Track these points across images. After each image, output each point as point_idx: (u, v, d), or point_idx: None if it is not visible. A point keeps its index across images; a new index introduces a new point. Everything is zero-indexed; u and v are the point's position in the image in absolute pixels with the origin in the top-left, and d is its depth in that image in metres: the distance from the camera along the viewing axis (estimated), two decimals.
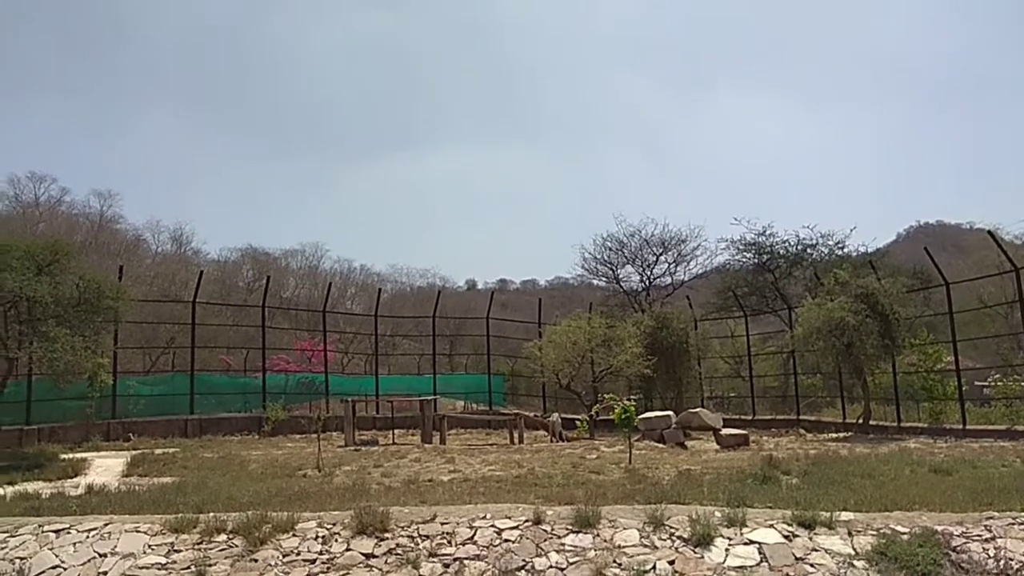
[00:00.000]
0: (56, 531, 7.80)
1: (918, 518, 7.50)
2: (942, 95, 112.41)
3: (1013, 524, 7.22)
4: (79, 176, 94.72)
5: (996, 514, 7.49)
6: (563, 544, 7.26)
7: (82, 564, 7.26)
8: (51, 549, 7.50)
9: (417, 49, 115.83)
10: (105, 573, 7.13)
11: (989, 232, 21.69)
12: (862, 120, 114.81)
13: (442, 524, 7.66)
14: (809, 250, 30.19)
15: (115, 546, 7.52)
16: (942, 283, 19.29)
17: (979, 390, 23.85)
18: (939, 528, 7.18)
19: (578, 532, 7.43)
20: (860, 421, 19.10)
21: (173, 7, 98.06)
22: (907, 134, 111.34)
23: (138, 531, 7.76)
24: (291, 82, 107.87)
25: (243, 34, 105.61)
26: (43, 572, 7.16)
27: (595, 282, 38.29)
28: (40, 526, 7.93)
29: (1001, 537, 7.01)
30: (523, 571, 6.92)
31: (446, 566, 7.05)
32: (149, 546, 7.51)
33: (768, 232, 30.63)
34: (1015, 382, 20.29)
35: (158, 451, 15.36)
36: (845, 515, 7.55)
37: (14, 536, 7.73)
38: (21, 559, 7.34)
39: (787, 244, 30.42)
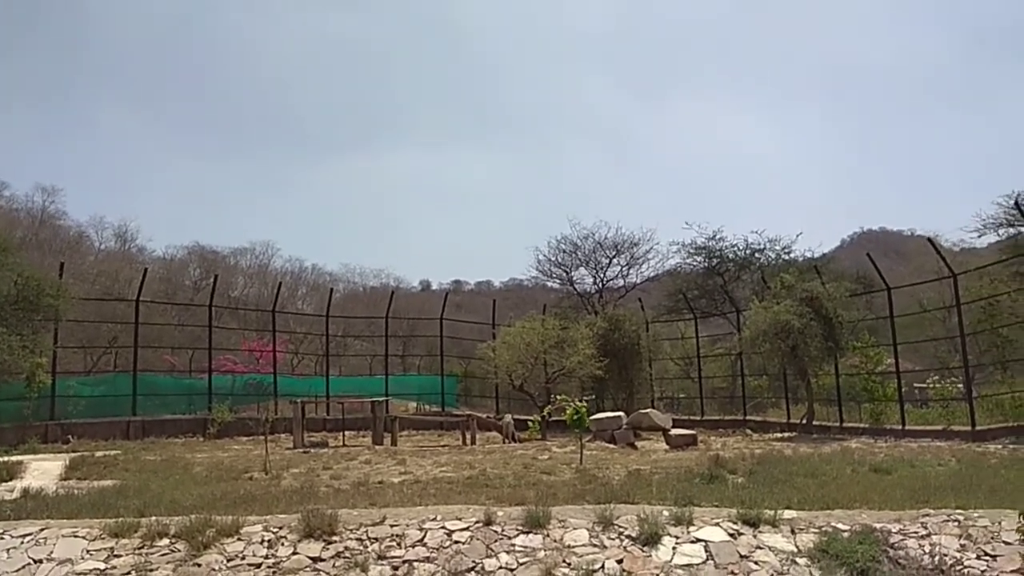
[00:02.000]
0: None
1: (858, 516, 7.72)
2: (888, 104, 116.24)
3: (947, 521, 7.49)
4: (22, 171, 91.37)
5: (932, 511, 7.75)
6: (513, 545, 7.27)
7: (16, 571, 7.00)
8: None
9: (377, 49, 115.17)
10: None
11: (929, 239, 22.51)
12: (812, 128, 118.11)
13: (391, 526, 7.61)
14: (757, 254, 30.82)
15: (51, 552, 7.27)
16: (884, 288, 19.89)
17: (918, 391, 24.68)
18: (878, 526, 7.41)
19: (528, 533, 7.45)
20: (804, 421, 19.58)
21: None
22: (853, 142, 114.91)
23: (76, 536, 7.51)
24: (247, 79, 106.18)
25: (198, 28, 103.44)
26: None
27: (549, 284, 38.47)
28: None
29: (936, 534, 7.26)
30: (473, 572, 6.91)
31: (395, 569, 7.01)
32: (88, 551, 7.28)
33: (718, 236, 31.22)
34: (952, 384, 21.04)
35: (98, 454, 14.88)
36: (788, 513, 7.74)
37: None
38: None
39: (736, 248, 31.03)
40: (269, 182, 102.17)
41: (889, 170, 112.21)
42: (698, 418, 23.32)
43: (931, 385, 22.37)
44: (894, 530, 7.34)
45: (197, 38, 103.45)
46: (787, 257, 30.24)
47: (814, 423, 19.40)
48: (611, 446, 16.80)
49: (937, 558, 6.91)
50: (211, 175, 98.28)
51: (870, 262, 20.49)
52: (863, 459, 12.30)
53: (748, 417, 22.67)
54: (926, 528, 7.38)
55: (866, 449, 14.48)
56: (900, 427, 17.84)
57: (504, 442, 18.90)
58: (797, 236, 33.17)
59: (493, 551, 7.20)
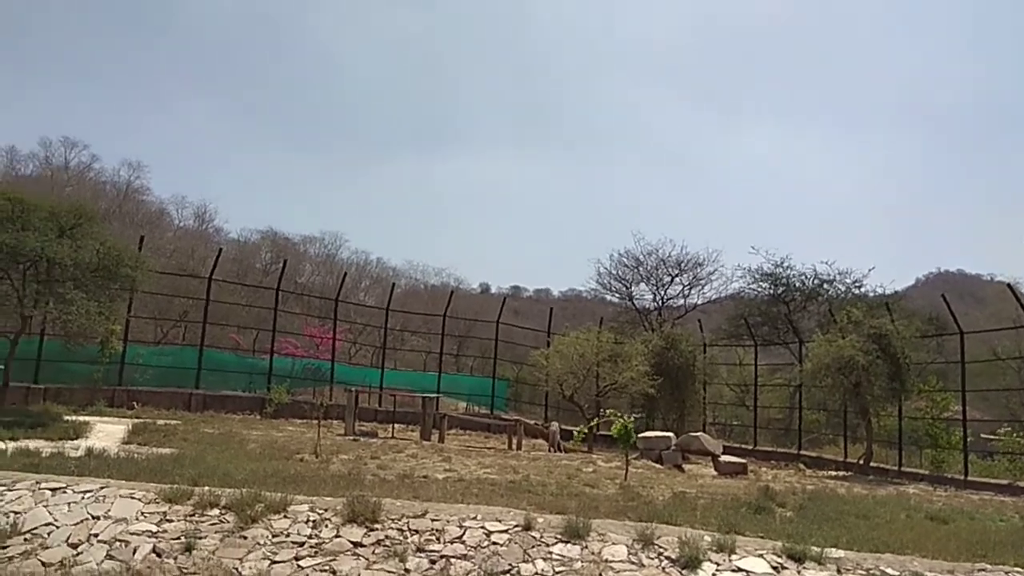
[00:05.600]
0: (52, 489, 7.90)
1: (909, 562, 7.45)
2: (975, 142, 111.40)
3: None
4: (110, 146, 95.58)
5: (988, 566, 7.42)
6: (551, 552, 7.27)
7: (74, 524, 7.35)
8: (46, 506, 7.60)
9: (447, 51, 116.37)
10: (96, 535, 7.22)
11: (1008, 285, 21.48)
12: (892, 161, 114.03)
13: (432, 520, 7.69)
14: (825, 285, 30.07)
15: (108, 510, 7.60)
16: (956, 331, 19.12)
17: (984, 442, 23.60)
18: (928, 574, 7.13)
19: (567, 542, 7.43)
20: (861, 461, 18.96)
21: None
22: (934, 180, 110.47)
23: (133, 497, 7.84)
24: (324, 76, 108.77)
25: (283, 26, 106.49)
26: (36, 528, 7.26)
27: (608, 297, 38.26)
28: (37, 483, 8.04)
29: None
30: (508, 575, 6.93)
31: (432, 562, 7.08)
32: (142, 513, 7.59)
33: (785, 264, 30.59)
34: (1022, 437, 20.07)
35: (160, 422, 15.49)
36: (836, 552, 7.51)
37: (11, 490, 7.84)
38: (16, 513, 7.44)
39: (804, 277, 30.35)
40: (340, 175, 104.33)
41: (970, 211, 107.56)
42: (750, 447, 22.82)
43: (999, 437, 21.37)
44: None
45: (282, 36, 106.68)
46: (857, 291, 29.44)
47: (871, 464, 18.76)
48: (657, 466, 16.60)
49: None
50: (286, 165, 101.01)
51: (944, 303, 19.75)
52: (919, 506, 11.84)
53: (802, 452, 22.08)
54: None
55: (924, 496, 13.94)
56: (962, 477, 17.12)
57: (549, 450, 18.87)
58: (869, 271, 32.45)
59: (530, 556, 7.20)
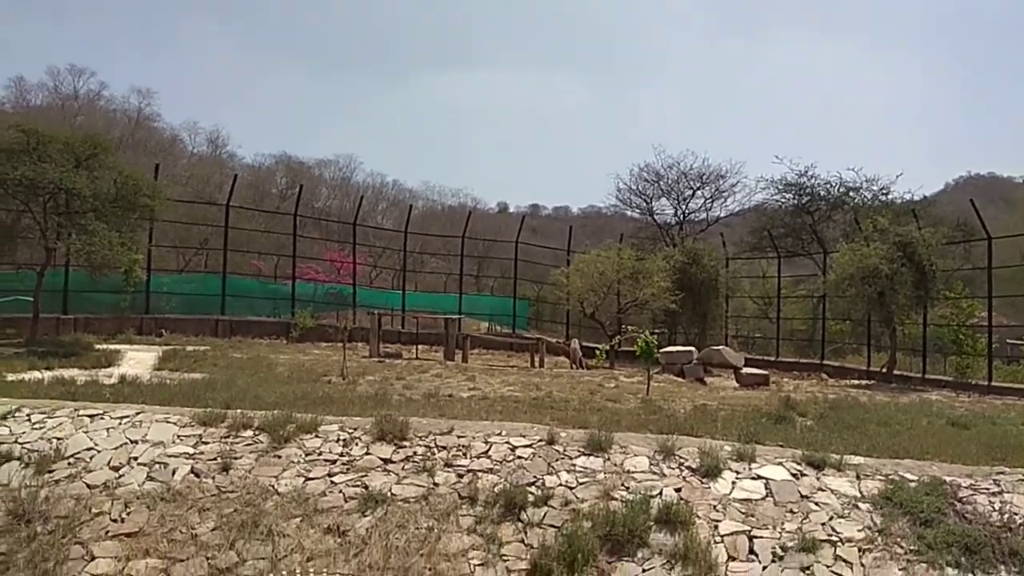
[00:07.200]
0: (91, 416, 8.16)
1: (928, 467, 7.55)
2: (1006, 44, 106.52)
3: (1023, 481, 7.24)
4: (119, 72, 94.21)
5: (1007, 470, 7.51)
6: (574, 465, 7.45)
7: (114, 448, 7.62)
8: (85, 432, 7.86)
9: None
10: (136, 458, 7.49)
11: None
12: (918, 66, 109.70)
13: (458, 437, 7.88)
14: (852, 193, 29.46)
15: (146, 434, 7.85)
16: (984, 237, 18.76)
17: (1010, 348, 23.52)
18: (948, 479, 7.23)
19: (589, 455, 7.60)
20: (884, 370, 19.00)
21: None
22: (965, 82, 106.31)
23: (168, 422, 8.09)
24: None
25: None
26: (78, 453, 7.54)
27: (628, 213, 37.93)
28: (76, 410, 8.30)
29: (1009, 492, 7.05)
30: (534, 487, 7.13)
31: (460, 476, 7.29)
32: (178, 436, 7.84)
33: (810, 173, 29.93)
34: None
35: (189, 348, 15.80)
36: (855, 459, 7.62)
37: (51, 418, 8.11)
38: (58, 439, 7.71)
39: (829, 186, 29.74)
40: (354, 97, 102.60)
41: (1002, 113, 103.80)
42: (772, 359, 22.89)
43: None
44: (964, 484, 7.16)
45: None
46: (884, 198, 28.82)
47: (895, 372, 18.78)
48: (680, 380, 16.76)
49: (1007, 516, 6.73)
50: (298, 89, 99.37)
51: (972, 208, 19.31)
52: (941, 412, 11.92)
53: (825, 362, 22.14)
54: (998, 486, 7.17)
55: (946, 402, 14.00)
56: (986, 383, 17.10)
57: (572, 367, 19.09)
58: (897, 177, 31.57)
59: (554, 469, 7.39)
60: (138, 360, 13.73)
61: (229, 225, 22.54)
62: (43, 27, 77.32)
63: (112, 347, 15.04)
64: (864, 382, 18.59)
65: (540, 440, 7.84)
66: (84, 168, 15.32)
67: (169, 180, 28.03)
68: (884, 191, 29.17)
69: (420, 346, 20.75)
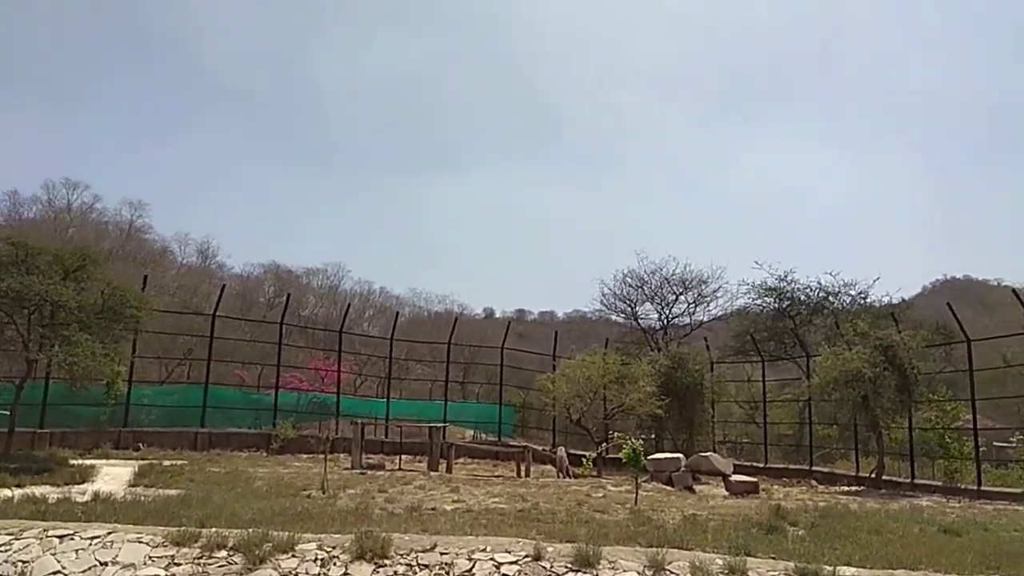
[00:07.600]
0: (60, 536, 7.86)
1: None
2: (978, 146, 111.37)
3: None
4: (112, 184, 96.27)
5: None
6: None
7: (83, 572, 7.31)
8: (53, 554, 7.56)
9: (445, 76, 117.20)
10: None
11: (1014, 290, 21.42)
12: (894, 170, 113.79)
13: (441, 554, 7.64)
14: (831, 298, 30.01)
15: (116, 555, 7.56)
16: (964, 340, 19.03)
17: (997, 451, 23.38)
18: None
19: (577, 571, 7.37)
20: (873, 475, 18.80)
21: (220, 28, 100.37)
22: (938, 185, 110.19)
23: (140, 542, 7.80)
24: (325, 105, 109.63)
25: (282, 58, 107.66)
26: None
27: (613, 317, 38.31)
28: (44, 530, 8.00)
29: None
30: None
31: None
32: (150, 557, 7.55)
33: (789, 277, 30.58)
34: None
35: (166, 463, 15.45)
36: (848, 570, 7.44)
37: (18, 539, 7.81)
38: (24, 562, 7.40)
39: (808, 290, 30.31)
40: (341, 204, 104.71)
41: (976, 216, 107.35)
42: (761, 465, 22.64)
43: (1014, 444, 21.18)
44: None
45: (282, 67, 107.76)
46: (863, 302, 29.36)
47: (884, 478, 18.60)
48: (668, 488, 16.48)
49: None
50: (289, 196, 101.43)
51: (950, 312, 19.67)
52: (932, 519, 11.73)
53: (814, 467, 21.90)
54: None
55: (937, 508, 13.82)
56: (975, 487, 16.96)
57: (559, 476, 18.76)
58: (874, 281, 32.09)
59: None
60: (113, 476, 13.38)
61: (215, 335, 22.49)
62: (38, 140, 79.53)
63: (88, 462, 14.70)
64: (853, 488, 18.36)
65: (526, 556, 7.62)
66: (72, 279, 15.40)
67: (157, 290, 28.19)
68: (863, 295, 29.80)
69: (404, 456, 20.39)
